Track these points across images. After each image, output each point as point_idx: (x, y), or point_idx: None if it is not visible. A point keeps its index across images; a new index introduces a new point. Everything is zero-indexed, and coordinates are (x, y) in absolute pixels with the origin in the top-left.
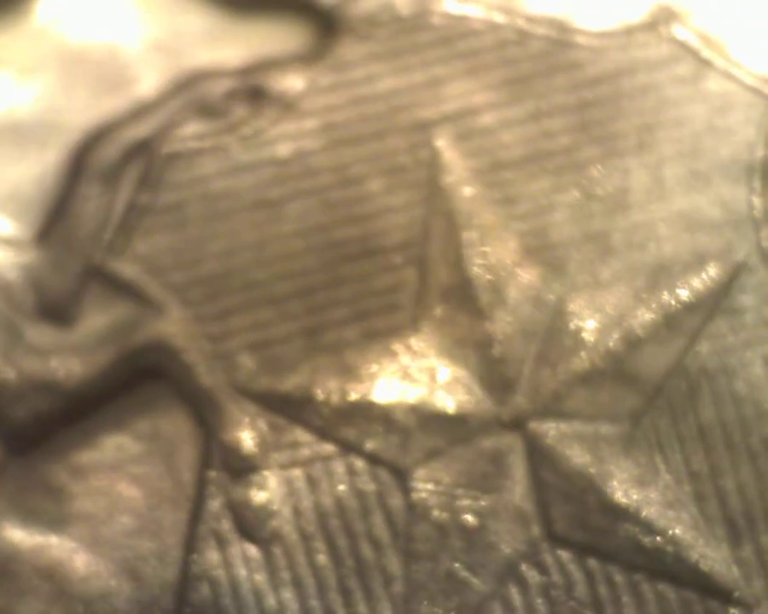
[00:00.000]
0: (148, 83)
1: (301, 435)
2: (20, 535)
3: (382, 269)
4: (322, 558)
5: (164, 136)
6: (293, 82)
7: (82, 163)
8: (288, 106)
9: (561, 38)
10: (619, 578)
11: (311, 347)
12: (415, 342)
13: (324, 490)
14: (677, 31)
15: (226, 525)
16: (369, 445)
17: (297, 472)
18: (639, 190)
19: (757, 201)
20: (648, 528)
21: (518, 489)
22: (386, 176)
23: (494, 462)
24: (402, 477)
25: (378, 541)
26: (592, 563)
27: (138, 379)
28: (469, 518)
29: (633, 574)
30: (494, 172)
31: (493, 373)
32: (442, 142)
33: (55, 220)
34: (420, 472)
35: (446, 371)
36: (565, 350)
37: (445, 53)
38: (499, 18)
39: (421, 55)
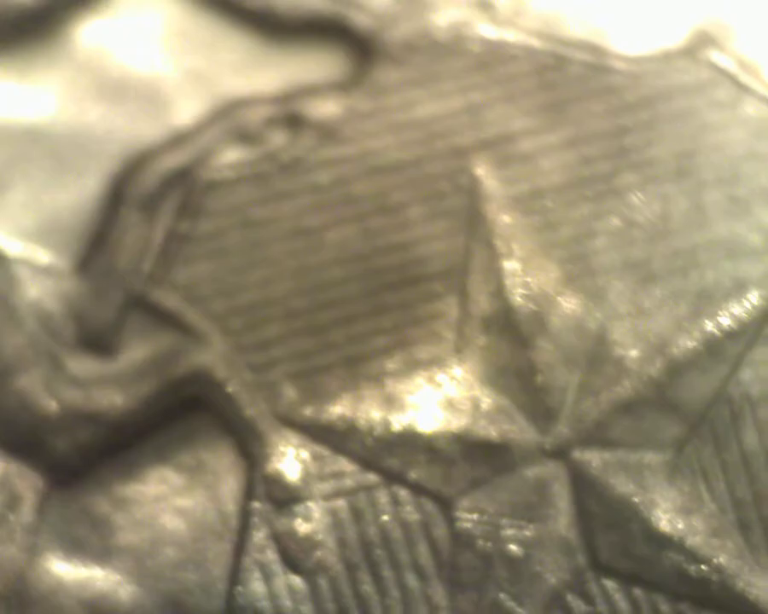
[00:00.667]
0: (187, 111)
1: (345, 465)
2: (64, 568)
3: (423, 298)
4: (367, 589)
5: (203, 164)
6: (331, 108)
7: (121, 191)
8: (326, 133)
9: (598, 63)
10: (664, 607)
11: (353, 376)
12: (457, 371)
13: (368, 520)
14: (715, 56)
15: (271, 557)
16: (413, 475)
17: (341, 503)
18: (679, 217)
19: None
20: (693, 557)
21: (562, 518)
22: (425, 204)
23: (538, 491)
24: (446, 506)
25: (423, 571)
26: (637, 592)
27: (180, 410)
28: (514, 548)
29: (678, 603)
30: (533, 199)
31: (536, 402)
32: (481, 169)
33: (95, 249)
34: (464, 502)
35: (489, 400)
36: (607, 378)
37: (482, 78)
38: (537, 43)
39: (459, 80)
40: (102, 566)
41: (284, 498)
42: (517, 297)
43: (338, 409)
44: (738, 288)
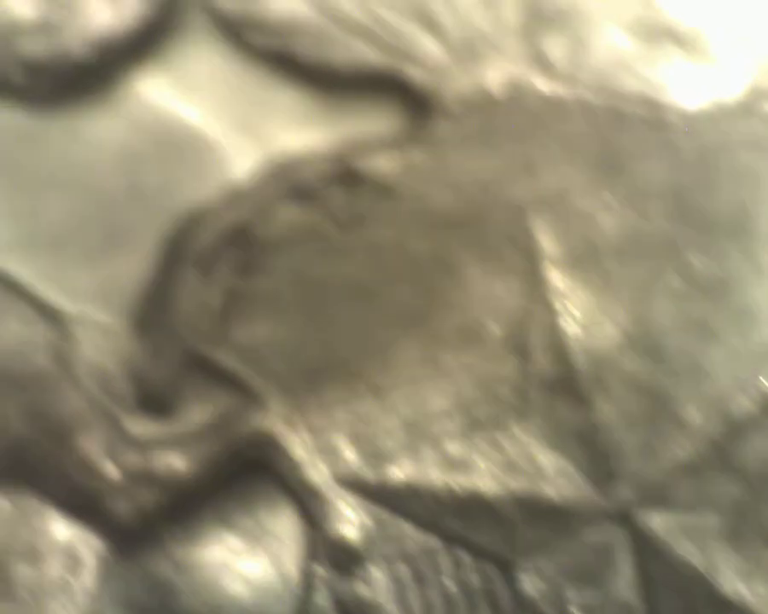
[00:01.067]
0: (242, 167)
1: (406, 528)
2: None
3: (483, 358)
4: None
5: (260, 221)
6: (387, 165)
7: (178, 249)
8: (383, 189)
9: (656, 119)
10: None
11: (413, 438)
12: (518, 432)
13: (430, 584)
14: None
15: None
16: (475, 538)
17: (402, 566)
18: (739, 275)
19: None
20: None
21: (624, 582)
22: (483, 262)
23: (599, 554)
24: (508, 569)
25: None
26: None
27: (240, 472)
28: (576, 612)
29: None
30: (592, 257)
31: (597, 464)
32: (539, 227)
33: (152, 308)
34: (525, 565)
35: (550, 461)
36: (668, 439)
37: (539, 135)
38: (594, 98)
39: (515, 135)
40: None
41: (345, 561)
42: (577, 357)
43: (398, 472)
44: None
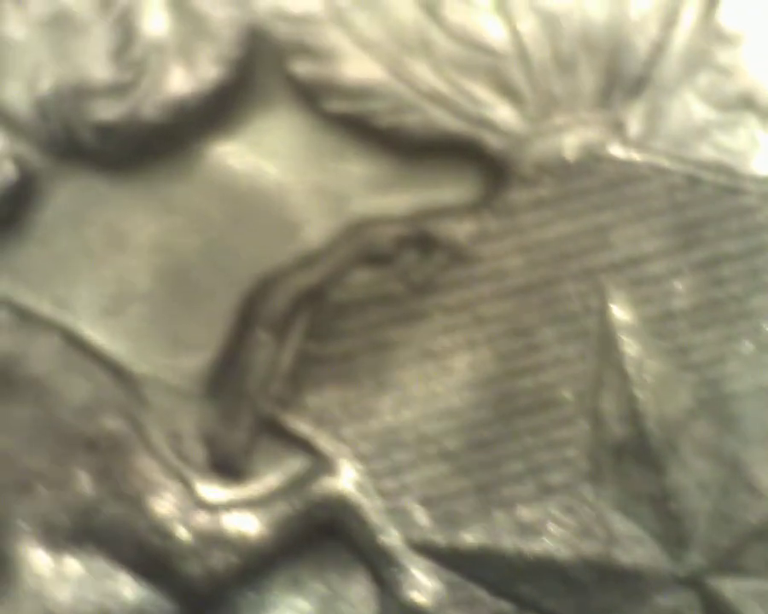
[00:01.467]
0: (316, 230)
1: (478, 592)
2: None
3: (556, 422)
4: None
5: (333, 284)
6: (462, 229)
7: (251, 311)
8: (457, 253)
9: (729, 184)
10: None
11: (485, 502)
12: (590, 496)
13: None
14: None
15: None
16: (547, 603)
17: None
18: None
19: None
20: None
21: None
22: (556, 326)
23: None
24: None
25: None
26: None
27: (311, 536)
28: None
29: None
30: (665, 322)
31: (669, 529)
32: (612, 291)
33: (224, 369)
34: None
35: (622, 526)
36: (740, 504)
37: (612, 198)
38: (667, 163)
39: (589, 200)
40: None
41: None
42: (649, 422)
43: (470, 536)
44: None
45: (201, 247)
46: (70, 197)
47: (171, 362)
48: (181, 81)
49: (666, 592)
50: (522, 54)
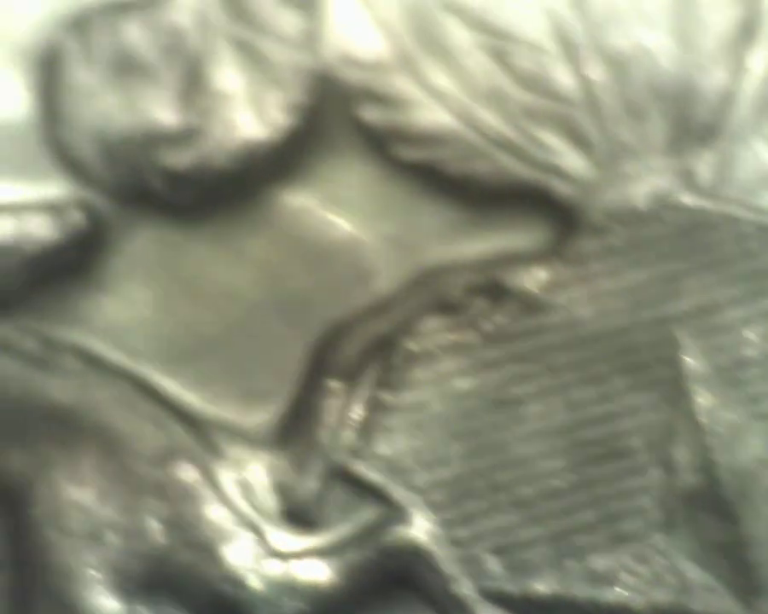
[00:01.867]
0: (387, 278)
1: None
2: None
3: (628, 471)
4: None
5: (404, 332)
6: (532, 276)
7: (322, 359)
8: (528, 301)
9: None
10: None
11: (558, 551)
12: (662, 545)
13: None
14: None
15: None
16: None
17: None
18: None
19: None
20: None
21: None
22: (628, 374)
23: None
24: None
25: None
26: None
27: (383, 585)
28: None
29: None
30: (737, 370)
31: (743, 578)
32: (683, 339)
33: (295, 417)
34: None
35: (695, 574)
36: None
37: (683, 247)
38: (738, 211)
39: (660, 248)
40: None
41: None
42: (721, 471)
43: (543, 585)
44: None
45: (272, 296)
46: (140, 245)
47: (243, 410)
48: (250, 128)
49: None
50: (591, 101)
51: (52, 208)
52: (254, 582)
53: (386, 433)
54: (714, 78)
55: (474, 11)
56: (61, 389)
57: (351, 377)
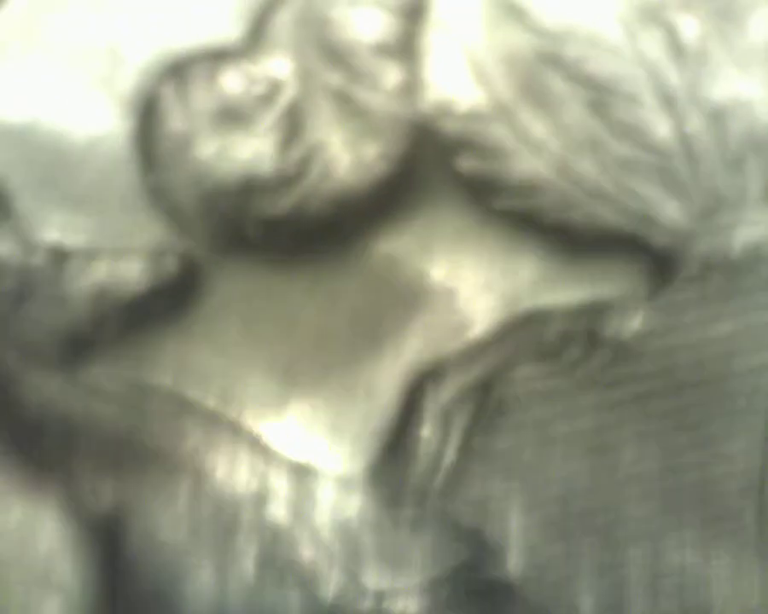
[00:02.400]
0: (482, 325)
1: None
2: None
3: (722, 516)
4: None
5: (498, 378)
6: (627, 323)
7: (416, 402)
8: (623, 348)
9: None
10: None
11: (653, 592)
12: (758, 588)
13: None
14: None
15: None
16: None
17: None
18: None
19: None
20: None
21: None
22: (722, 422)
23: None
24: None
25: None
26: None
27: None
28: None
29: None
30: None
31: None
32: None
33: (389, 460)
34: None
35: None
36: None
37: None
38: None
39: (754, 299)
40: None
41: None
42: None
43: None
44: None
45: (366, 341)
46: (235, 290)
47: (336, 451)
48: (347, 176)
49: None
50: (689, 152)
51: (147, 254)
52: None
53: (479, 477)
54: None
55: (572, 62)
56: (154, 434)
57: (444, 421)
